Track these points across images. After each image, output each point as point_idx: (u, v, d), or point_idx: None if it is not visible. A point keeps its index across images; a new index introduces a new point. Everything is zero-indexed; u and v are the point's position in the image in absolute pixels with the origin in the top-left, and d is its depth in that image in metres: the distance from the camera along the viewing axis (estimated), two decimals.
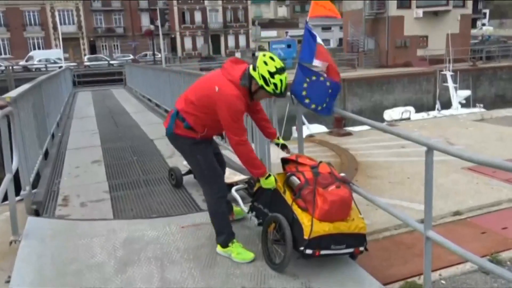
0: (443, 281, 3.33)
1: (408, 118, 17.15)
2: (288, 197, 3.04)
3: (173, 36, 54.35)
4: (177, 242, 3.49)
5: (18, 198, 3.96)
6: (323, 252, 2.89)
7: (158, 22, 32.70)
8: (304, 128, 10.41)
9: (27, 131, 4.79)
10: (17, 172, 3.91)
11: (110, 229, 3.73)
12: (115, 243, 3.48)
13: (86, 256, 3.28)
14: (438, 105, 19.58)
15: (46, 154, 6.46)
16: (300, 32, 58.55)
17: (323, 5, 3.70)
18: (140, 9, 53.33)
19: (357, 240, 3.00)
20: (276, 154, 3.93)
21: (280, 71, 2.90)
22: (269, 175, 3.10)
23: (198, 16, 56.53)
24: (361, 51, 31.15)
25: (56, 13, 44.27)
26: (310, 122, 13.78)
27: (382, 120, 16.84)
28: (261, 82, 2.91)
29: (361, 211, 3.14)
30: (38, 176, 5.23)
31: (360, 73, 26.12)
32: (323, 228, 2.85)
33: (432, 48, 29.45)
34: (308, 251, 2.84)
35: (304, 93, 3.59)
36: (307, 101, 3.60)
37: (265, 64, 2.90)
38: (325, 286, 2.89)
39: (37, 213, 4.16)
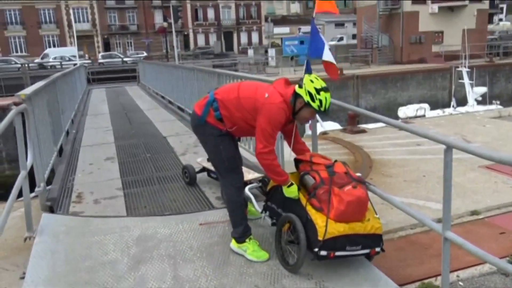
0: (461, 283, 3.26)
1: (423, 116, 16.93)
2: (302, 196, 2.99)
3: (186, 33, 54.51)
4: (190, 240, 3.47)
5: (32, 194, 3.99)
6: (338, 253, 2.83)
7: (171, 19, 32.83)
8: (317, 125, 10.33)
9: (41, 128, 4.82)
10: (31, 168, 3.93)
11: (123, 226, 3.74)
12: (128, 240, 3.48)
13: (99, 253, 3.29)
14: (453, 102, 19.30)
15: (60, 151, 6.51)
16: None
17: (326, 2, 3.85)
18: (153, 7, 53.59)
19: (373, 240, 2.94)
20: (289, 153, 3.90)
21: (325, 89, 3.00)
22: (292, 184, 3.04)
23: (211, 13, 56.59)
24: (375, 47, 30.80)
25: (71, 11, 44.83)
26: (323, 119, 13.67)
27: (396, 118, 16.64)
28: (307, 98, 2.98)
29: (377, 211, 3.08)
30: (52, 172, 5.27)
31: (374, 70, 25.86)
32: (338, 229, 2.79)
33: (448, 44, 29.00)
34: (323, 253, 2.79)
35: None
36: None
37: (311, 82, 3.01)
38: (340, 286, 2.85)
39: (51, 210, 4.18)
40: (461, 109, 17.86)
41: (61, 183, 5.03)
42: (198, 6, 55.91)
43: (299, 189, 3.04)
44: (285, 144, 4.82)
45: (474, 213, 4.40)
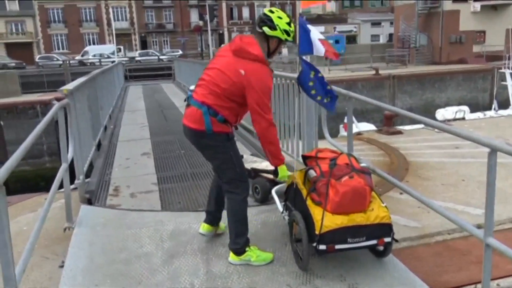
0: None
1: (462, 118, 16.39)
2: (304, 192, 2.97)
3: (221, 32, 54.96)
4: (222, 236, 3.49)
5: (72, 186, 4.12)
6: (339, 246, 2.75)
7: (207, 18, 33.15)
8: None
9: (82, 123, 4.97)
10: (71, 161, 4.06)
11: (158, 220, 3.80)
12: (163, 234, 3.54)
13: (134, 246, 3.36)
14: (495, 105, 18.60)
15: (99, 145, 6.70)
16: (349, 27, 57.58)
17: None
18: (189, 6, 54.30)
19: (379, 230, 2.81)
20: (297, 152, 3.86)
21: (291, 19, 3.02)
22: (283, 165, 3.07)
23: (246, 12, 56.81)
24: (413, 47, 30.07)
25: (110, 10, 46.06)
26: (358, 120, 13.49)
27: (434, 120, 16.17)
28: (285, 36, 2.96)
29: (383, 200, 2.97)
30: (91, 166, 5.43)
31: (411, 70, 25.25)
32: (335, 221, 2.72)
33: (490, 44, 27.95)
34: (322, 247, 2.72)
35: (311, 83, 3.52)
36: (313, 92, 3.54)
37: (280, 18, 2.96)
38: None
39: (89, 202, 4.31)
40: (503, 112, 17.17)
41: (99, 176, 5.18)
42: (233, 5, 56.24)
43: (304, 184, 3.01)
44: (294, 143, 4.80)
45: None
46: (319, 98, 3.55)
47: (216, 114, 2.90)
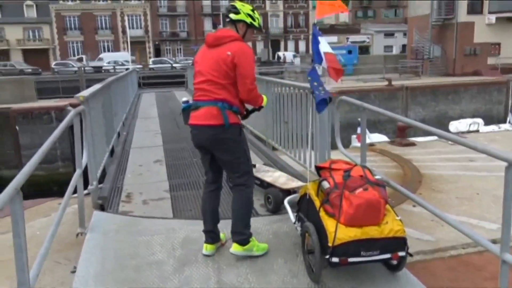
0: None
1: (477, 131, 16.19)
2: (317, 203, 2.95)
3: None
4: (231, 246, 3.48)
5: (85, 191, 4.15)
6: (352, 259, 2.72)
7: (221, 27, 33.37)
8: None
9: (96, 129, 5.02)
10: (85, 167, 4.10)
11: (169, 228, 3.81)
12: (174, 242, 3.54)
13: (146, 253, 3.37)
14: (510, 118, 18.35)
15: (112, 152, 6.76)
16: (362, 38, 57.55)
17: (328, 4, 3.60)
18: (203, 14, 54.88)
19: (393, 244, 2.77)
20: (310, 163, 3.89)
21: (255, 9, 3.34)
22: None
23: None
24: (426, 58, 29.88)
25: (126, 18, 46.71)
26: (370, 131, 13.40)
27: (447, 132, 15.98)
28: (249, 20, 3.22)
29: (397, 213, 2.94)
30: (104, 172, 5.47)
31: (425, 81, 25.06)
32: (348, 234, 2.69)
33: (505, 56, 27.65)
34: (335, 260, 2.69)
35: (315, 83, 3.56)
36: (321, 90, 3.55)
37: (243, 6, 3.25)
38: None
39: (102, 208, 4.34)
40: None
41: (111, 182, 5.22)
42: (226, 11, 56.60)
43: (317, 195, 3.00)
44: (307, 153, 4.78)
45: None
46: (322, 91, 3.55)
47: (230, 106, 3.13)
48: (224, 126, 3.08)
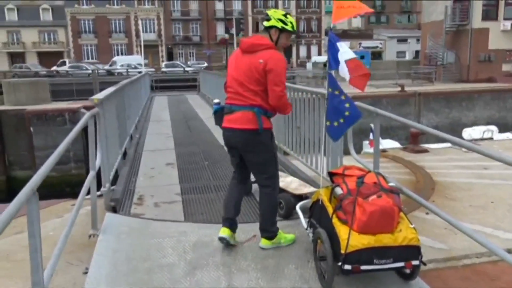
0: None
1: (491, 138, 15.97)
2: (330, 209, 2.93)
3: None
4: (244, 250, 3.48)
5: (98, 193, 4.19)
6: (364, 267, 2.69)
7: (233, 31, 33.55)
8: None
9: (110, 131, 5.07)
10: (98, 169, 4.13)
11: (181, 231, 3.82)
12: (185, 245, 3.55)
13: (157, 256, 3.38)
14: None
15: (124, 154, 6.81)
16: (374, 43, 57.29)
17: (348, 5, 3.47)
18: (216, 19, 55.18)
19: (407, 253, 2.74)
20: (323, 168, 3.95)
21: (287, 13, 3.41)
22: None
23: None
24: (440, 65, 29.63)
25: (139, 21, 47.15)
26: (382, 137, 13.32)
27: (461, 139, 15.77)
28: (280, 24, 3.30)
29: (411, 221, 2.90)
30: (116, 174, 5.51)
31: (438, 88, 24.85)
32: (361, 241, 2.67)
33: None
34: (347, 267, 2.67)
35: (345, 103, 3.38)
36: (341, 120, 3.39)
37: (275, 11, 3.37)
38: None
39: (114, 210, 4.37)
40: None
41: (124, 185, 5.25)
42: (259, 19, 56.73)
43: (330, 201, 2.98)
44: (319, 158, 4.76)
45: None
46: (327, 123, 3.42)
47: (265, 112, 3.30)
48: (258, 130, 3.24)
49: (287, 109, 3.41)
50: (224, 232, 3.44)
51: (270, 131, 3.37)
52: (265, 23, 3.34)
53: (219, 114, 3.56)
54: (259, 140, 3.29)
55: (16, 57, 50.79)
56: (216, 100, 3.75)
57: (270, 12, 3.39)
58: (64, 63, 43.49)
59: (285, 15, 3.35)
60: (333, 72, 3.46)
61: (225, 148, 3.64)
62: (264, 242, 3.47)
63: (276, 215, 3.53)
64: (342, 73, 3.44)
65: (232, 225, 3.49)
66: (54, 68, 41.97)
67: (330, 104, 3.43)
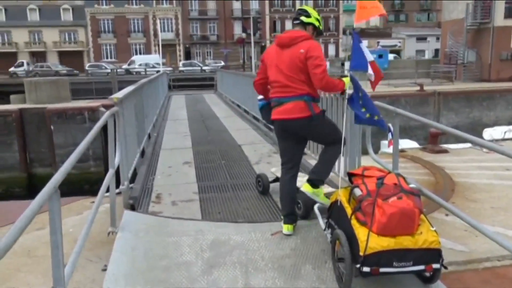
0: None
1: None
2: (349, 210, 2.89)
3: (263, 44, 55.46)
4: (261, 249, 3.48)
5: (116, 191, 4.24)
6: (383, 270, 2.64)
7: (251, 31, 33.56)
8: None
9: (128, 130, 5.12)
10: (117, 167, 4.18)
11: (198, 230, 3.84)
12: (202, 244, 3.57)
13: (175, 254, 3.40)
14: None
15: (142, 153, 6.88)
16: (393, 42, 56.63)
17: (371, 6, 3.41)
18: (233, 18, 55.28)
19: (427, 256, 2.69)
20: (342, 170, 4.17)
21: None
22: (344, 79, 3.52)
23: (289, 25, 57.03)
24: (460, 63, 29.11)
25: (158, 21, 47.58)
26: (400, 136, 13.15)
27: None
28: (317, 23, 3.53)
29: (432, 224, 2.85)
30: (134, 172, 5.57)
31: (458, 87, 24.42)
32: (381, 243, 2.62)
33: None
34: (365, 269, 2.62)
35: (360, 102, 3.45)
36: (363, 110, 3.45)
37: (313, 10, 3.55)
38: None
39: (132, 208, 4.42)
40: None
41: (142, 183, 5.31)
42: (276, 18, 56.75)
43: (349, 202, 2.96)
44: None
45: None
46: (368, 116, 3.43)
47: (314, 98, 3.51)
48: (312, 116, 3.46)
49: (336, 86, 3.47)
50: (288, 229, 3.64)
51: (322, 113, 3.59)
52: (304, 19, 3.49)
53: (265, 109, 3.76)
54: (313, 124, 3.50)
55: (37, 56, 51.78)
56: (260, 97, 3.88)
57: (309, 9, 3.54)
58: (22, 64, 42.79)
59: (319, 15, 3.57)
60: (350, 72, 3.46)
61: (276, 139, 3.95)
62: (305, 187, 3.64)
63: (330, 169, 3.78)
64: (369, 74, 3.47)
65: (294, 219, 3.69)
66: (12, 69, 41.21)
67: (365, 100, 3.47)
